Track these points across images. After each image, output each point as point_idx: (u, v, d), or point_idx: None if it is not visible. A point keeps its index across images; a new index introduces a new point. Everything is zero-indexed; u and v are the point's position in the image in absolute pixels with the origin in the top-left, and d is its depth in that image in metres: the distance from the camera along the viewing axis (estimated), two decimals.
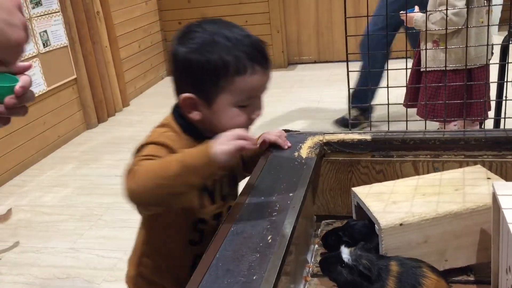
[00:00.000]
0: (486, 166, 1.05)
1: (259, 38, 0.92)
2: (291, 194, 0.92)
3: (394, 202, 0.93)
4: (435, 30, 2.09)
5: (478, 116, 2.19)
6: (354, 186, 1.13)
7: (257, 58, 0.90)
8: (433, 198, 0.93)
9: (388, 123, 1.11)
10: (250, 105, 0.92)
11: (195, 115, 0.92)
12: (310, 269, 1.03)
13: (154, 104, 4.15)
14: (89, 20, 3.67)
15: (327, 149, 1.13)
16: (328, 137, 1.13)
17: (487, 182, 0.97)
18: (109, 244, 2.22)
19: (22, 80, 0.69)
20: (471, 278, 0.93)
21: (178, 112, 0.95)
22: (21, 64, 0.71)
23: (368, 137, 1.11)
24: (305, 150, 1.08)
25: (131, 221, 2.40)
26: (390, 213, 0.90)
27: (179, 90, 0.92)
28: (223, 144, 0.81)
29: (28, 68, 0.72)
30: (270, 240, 0.77)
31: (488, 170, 1.04)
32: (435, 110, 2.18)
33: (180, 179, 0.81)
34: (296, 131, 1.20)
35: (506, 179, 1.06)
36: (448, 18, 2.03)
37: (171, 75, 0.95)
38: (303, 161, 1.04)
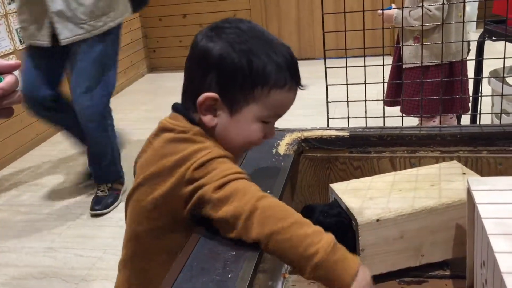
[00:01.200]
0: (462, 161, 1.06)
1: (295, 55, 0.84)
2: (268, 191, 0.91)
3: (371, 198, 0.94)
4: (417, 26, 2.10)
5: (462, 109, 2.20)
6: (332, 182, 1.13)
7: (296, 74, 0.82)
8: (410, 194, 0.94)
9: (366, 120, 1.11)
10: (270, 124, 0.83)
11: (210, 120, 0.79)
12: (288, 266, 1.03)
13: (134, 102, 4.12)
14: None
15: (305, 145, 1.13)
16: (306, 134, 1.13)
17: (463, 177, 0.98)
18: (88, 243, 2.20)
19: (5, 80, 0.65)
20: (447, 273, 0.94)
21: (189, 116, 0.82)
22: (7, 62, 0.66)
23: (346, 133, 1.11)
24: (283, 147, 1.08)
25: (110, 220, 2.39)
26: (367, 209, 0.90)
27: (199, 87, 0.79)
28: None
29: (16, 67, 0.67)
30: None
31: (464, 165, 1.05)
32: (419, 106, 2.19)
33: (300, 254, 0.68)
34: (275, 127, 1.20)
35: (482, 175, 1.07)
36: (431, 13, 2.05)
37: (191, 68, 0.82)
38: (281, 158, 1.03)
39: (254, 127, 0.80)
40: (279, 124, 1.19)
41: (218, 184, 0.72)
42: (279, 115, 0.83)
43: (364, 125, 1.14)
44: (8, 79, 0.65)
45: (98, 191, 2.51)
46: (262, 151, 1.06)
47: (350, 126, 1.15)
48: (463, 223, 0.87)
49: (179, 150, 0.76)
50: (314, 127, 1.15)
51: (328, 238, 0.69)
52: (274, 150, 1.07)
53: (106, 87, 2.37)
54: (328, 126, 1.19)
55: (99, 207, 2.43)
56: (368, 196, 0.94)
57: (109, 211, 2.45)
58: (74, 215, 2.46)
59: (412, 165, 1.09)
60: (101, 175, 2.53)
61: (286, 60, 0.80)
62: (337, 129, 1.13)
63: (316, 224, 0.88)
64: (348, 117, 1.12)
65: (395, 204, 0.90)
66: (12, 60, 0.68)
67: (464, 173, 0.99)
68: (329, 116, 1.17)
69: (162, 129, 0.81)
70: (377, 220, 0.88)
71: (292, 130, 1.15)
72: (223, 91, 0.78)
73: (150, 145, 0.82)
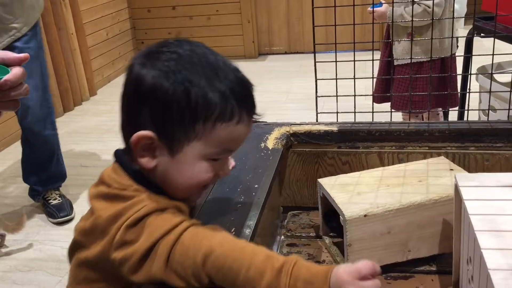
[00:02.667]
0: (450, 157, 1.07)
1: (247, 78, 0.72)
2: (256, 186, 0.91)
3: (359, 193, 0.94)
4: (416, 20, 2.09)
5: (452, 105, 2.21)
6: (320, 177, 1.13)
7: (248, 104, 0.71)
8: (397, 189, 0.94)
9: (355, 115, 1.11)
10: (221, 160, 0.72)
11: (147, 162, 0.68)
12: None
13: None
14: (54, 5, 3.56)
15: (293, 140, 1.13)
16: (295, 128, 1.13)
17: (450, 173, 0.98)
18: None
19: (12, 72, 0.64)
20: (434, 268, 0.95)
21: (129, 167, 0.71)
22: (15, 55, 0.66)
23: (334, 128, 1.11)
24: (271, 141, 1.07)
25: None
26: (354, 204, 0.90)
27: (134, 124, 0.68)
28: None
29: (24, 60, 0.66)
30: (233, 233, 0.77)
31: (452, 161, 1.05)
32: (413, 102, 2.20)
33: None
34: (263, 121, 1.19)
35: (469, 171, 1.07)
36: (430, 9, 2.04)
37: (125, 100, 0.71)
38: (269, 152, 1.03)
39: (200, 167, 0.69)
40: (268, 118, 1.19)
41: (165, 256, 0.63)
42: (230, 151, 0.72)
43: (353, 120, 1.14)
44: (15, 71, 0.65)
45: (49, 200, 2.37)
46: (250, 145, 1.06)
47: (339, 121, 1.15)
48: (450, 218, 0.87)
49: (112, 206, 0.68)
50: (303, 122, 1.15)
51: (283, 285, 0.61)
52: (262, 144, 1.06)
53: (46, 80, 2.24)
54: (317, 120, 1.18)
55: (65, 213, 2.34)
56: (356, 191, 0.94)
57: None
58: None
59: (400, 160, 1.10)
60: (45, 181, 2.38)
61: (233, 87, 0.68)
62: (326, 124, 1.13)
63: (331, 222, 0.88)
64: (337, 112, 1.12)
65: (382, 200, 0.90)
66: (22, 54, 0.67)
67: (451, 169, 1.00)
68: (318, 111, 1.16)
69: (101, 181, 0.72)
70: (365, 216, 0.88)
71: (280, 124, 1.15)
72: (159, 128, 0.67)
73: (89, 200, 0.73)
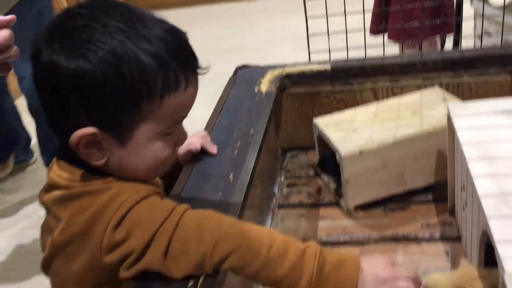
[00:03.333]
0: (444, 87, 1.07)
1: (179, 28, 0.62)
2: (252, 130, 0.92)
3: (354, 130, 0.95)
4: None
5: (448, 31, 2.17)
6: (316, 116, 1.14)
7: (190, 61, 0.62)
8: (392, 124, 0.95)
9: (347, 51, 1.10)
10: (175, 131, 0.64)
11: (96, 159, 0.60)
12: (277, 201, 1.06)
13: None
14: None
15: (287, 82, 1.13)
16: (288, 70, 1.12)
17: (444, 103, 0.99)
18: None
19: (1, 35, 0.62)
20: (430, 197, 0.97)
21: (75, 161, 0.62)
22: (1, 17, 0.63)
23: (327, 67, 1.10)
24: (265, 85, 1.07)
25: None
26: (349, 141, 0.91)
27: (64, 120, 0.59)
28: None
29: (10, 21, 0.63)
30: (232, 178, 0.78)
31: (445, 91, 1.05)
32: (409, 33, 2.16)
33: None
34: (255, 65, 1.19)
35: (463, 99, 1.07)
36: None
37: (42, 93, 0.61)
38: (263, 96, 1.03)
39: (155, 147, 0.62)
40: (261, 60, 1.18)
41: (162, 249, 0.56)
42: (182, 118, 0.65)
43: (346, 57, 1.13)
44: (3, 34, 0.62)
45: None
46: (244, 90, 1.06)
47: (332, 59, 1.14)
48: (445, 148, 0.88)
49: (84, 208, 0.59)
50: (295, 62, 1.14)
51: (308, 271, 0.56)
52: (256, 89, 1.06)
53: None
54: (309, 60, 1.17)
55: None
56: (351, 129, 0.95)
57: None
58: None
59: (395, 95, 1.10)
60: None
61: (168, 46, 0.58)
62: (319, 63, 1.12)
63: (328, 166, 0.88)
64: (330, 50, 1.11)
65: (377, 135, 0.92)
66: (8, 16, 0.65)
67: (445, 99, 1.00)
68: (310, 50, 1.15)
69: (52, 186, 0.63)
70: (360, 152, 0.89)
71: (273, 67, 1.14)
72: (97, 120, 0.58)
73: (47, 208, 0.65)
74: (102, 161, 0.61)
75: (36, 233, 0.76)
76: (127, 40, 0.56)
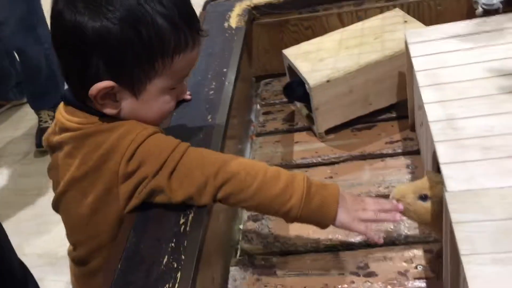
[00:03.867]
0: (405, 8, 1.12)
1: None
2: (225, 70, 0.97)
3: (321, 60, 1.01)
4: None
5: None
6: (286, 44, 1.19)
7: (195, 24, 0.68)
8: (356, 50, 1.01)
9: None
10: (179, 85, 0.72)
11: (111, 109, 0.67)
12: (254, 128, 1.14)
13: None
14: None
15: (256, 13, 1.16)
16: (255, 1, 1.15)
17: (404, 26, 1.04)
18: None
19: None
20: (393, 115, 1.06)
21: (88, 109, 0.68)
22: None
23: None
24: (234, 19, 1.11)
25: None
26: (317, 71, 0.98)
27: (84, 74, 0.64)
28: (360, 220, 0.67)
29: None
30: (210, 118, 0.85)
31: (407, 12, 1.10)
32: None
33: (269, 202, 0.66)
34: None
35: (423, 18, 1.13)
36: None
37: (64, 49, 0.66)
38: (233, 31, 1.07)
39: (164, 99, 0.69)
40: None
41: (169, 170, 0.64)
42: (187, 74, 0.73)
43: None
44: None
45: (40, 122, 2.17)
46: (214, 27, 1.10)
47: None
48: (405, 70, 0.95)
49: (99, 144, 0.66)
50: None
51: (298, 190, 0.66)
52: (226, 24, 1.10)
53: None
54: None
55: None
56: (318, 58, 1.01)
57: None
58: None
59: (359, 18, 1.15)
60: (37, 98, 2.19)
61: (180, 11, 0.65)
62: None
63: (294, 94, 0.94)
64: None
65: (342, 63, 0.98)
66: None
67: (405, 21, 1.06)
68: None
69: (63, 129, 0.69)
70: (327, 81, 0.96)
71: None
72: (116, 75, 0.64)
73: (56, 148, 0.71)
74: (115, 111, 0.67)
75: None
76: (143, 2, 0.62)
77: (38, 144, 2.11)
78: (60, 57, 0.67)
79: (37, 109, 2.20)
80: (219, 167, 0.66)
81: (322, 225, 0.69)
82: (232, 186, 0.66)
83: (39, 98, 2.18)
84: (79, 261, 0.77)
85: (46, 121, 2.16)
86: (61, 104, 0.72)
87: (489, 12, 1.02)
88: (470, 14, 1.09)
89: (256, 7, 1.15)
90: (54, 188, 0.75)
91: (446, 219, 0.60)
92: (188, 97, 0.91)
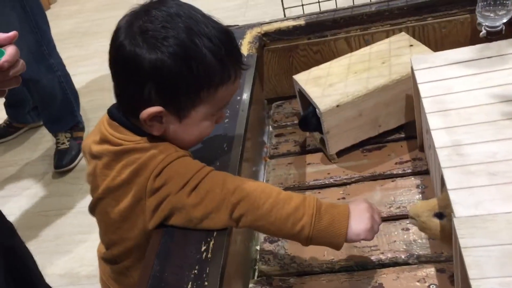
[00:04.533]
0: (410, 31, 1.16)
1: (229, 28, 0.75)
2: (238, 98, 1.01)
3: (330, 85, 1.05)
4: None
5: None
6: (296, 68, 1.24)
7: (238, 59, 0.75)
8: (364, 75, 1.05)
9: (319, 4, 1.17)
10: (219, 113, 0.79)
11: (157, 131, 0.74)
12: (267, 149, 1.18)
13: None
14: None
15: (266, 39, 1.21)
16: (265, 28, 1.20)
17: (410, 49, 1.08)
18: None
19: (8, 52, 0.68)
20: (402, 135, 1.09)
21: (132, 127, 0.75)
22: (5, 35, 0.69)
23: (302, 22, 1.18)
24: (245, 47, 1.15)
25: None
26: (327, 96, 1.02)
27: (136, 98, 0.72)
28: (361, 222, 0.72)
29: (14, 37, 0.70)
30: (226, 145, 0.89)
31: (412, 35, 1.14)
32: None
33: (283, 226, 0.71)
34: (234, 25, 1.26)
35: (428, 41, 1.17)
36: None
37: (121, 75, 0.73)
38: (245, 59, 1.11)
39: (204, 125, 0.76)
40: (238, 19, 1.24)
41: (189, 189, 0.70)
42: (227, 103, 0.79)
43: (318, 10, 1.20)
44: (10, 51, 0.69)
45: (57, 144, 2.21)
46: None
47: (306, 12, 1.21)
48: (412, 92, 0.99)
49: (132, 161, 0.73)
50: (272, 20, 1.21)
51: (309, 209, 0.71)
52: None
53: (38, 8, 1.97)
54: (284, 16, 1.24)
55: (64, 162, 2.15)
56: (327, 83, 1.05)
57: (76, 165, 2.19)
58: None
59: (366, 42, 1.19)
60: (53, 122, 2.23)
61: (226, 48, 0.71)
62: (294, 19, 1.20)
63: (309, 125, 0.99)
64: (303, 5, 1.18)
65: (351, 88, 1.02)
66: (10, 32, 0.70)
67: (411, 45, 1.09)
68: (284, 6, 1.22)
69: (105, 140, 0.76)
70: (337, 106, 1.00)
71: (251, 26, 1.22)
72: (165, 101, 0.71)
73: (96, 157, 0.78)
74: (159, 133, 0.74)
75: None
76: (194, 38, 0.69)
77: (57, 166, 2.16)
78: (116, 81, 0.75)
79: (54, 132, 2.25)
80: (236, 186, 0.71)
81: (335, 244, 0.73)
82: (247, 203, 0.71)
83: (55, 122, 2.23)
84: (111, 260, 0.85)
85: (63, 143, 2.21)
86: (105, 117, 0.79)
87: (492, 33, 1.06)
88: (474, 35, 1.13)
89: (266, 34, 1.20)
90: (92, 192, 0.82)
91: (455, 244, 0.64)
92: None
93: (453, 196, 0.66)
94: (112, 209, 0.77)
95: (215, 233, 0.73)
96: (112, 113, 0.77)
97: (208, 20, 0.72)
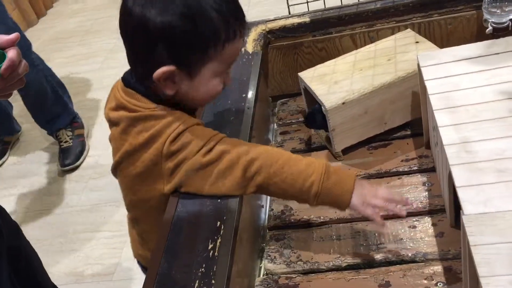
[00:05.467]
0: (416, 28, 1.15)
1: None
2: (244, 95, 1.01)
3: (336, 82, 1.04)
4: None
5: None
6: (300, 65, 1.23)
7: (241, 17, 0.78)
8: (369, 72, 1.04)
9: (324, 1, 1.16)
10: (226, 73, 0.82)
11: (170, 90, 0.78)
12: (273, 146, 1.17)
13: None
14: None
15: (271, 37, 1.20)
16: (270, 26, 1.19)
17: (416, 46, 1.07)
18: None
19: (9, 56, 0.68)
20: (408, 133, 1.09)
21: (146, 93, 0.80)
22: (6, 37, 0.69)
23: (307, 19, 1.18)
24: (250, 44, 1.15)
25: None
26: (333, 94, 1.01)
27: (148, 60, 0.76)
28: (369, 205, 0.78)
29: (15, 39, 0.70)
30: (233, 135, 0.88)
31: (418, 32, 1.14)
32: None
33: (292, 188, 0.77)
34: None
35: (434, 37, 1.16)
36: None
37: (131, 39, 0.77)
38: (250, 56, 1.11)
39: (213, 83, 0.80)
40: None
41: (205, 151, 0.76)
42: (234, 61, 0.82)
43: (323, 6, 1.20)
44: (12, 54, 0.69)
45: (60, 143, 2.22)
46: None
47: (310, 9, 1.20)
48: (418, 89, 0.98)
49: (149, 127, 0.78)
50: (276, 17, 1.21)
51: (319, 167, 0.77)
52: (242, 49, 1.14)
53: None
54: (289, 13, 1.24)
55: (69, 160, 2.16)
56: (333, 81, 1.05)
57: (81, 162, 2.20)
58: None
59: (371, 39, 1.18)
60: (50, 123, 2.22)
61: (229, 7, 0.76)
62: (299, 16, 1.19)
63: (315, 122, 1.02)
64: (307, 1, 1.18)
65: (357, 85, 1.01)
66: (12, 34, 0.70)
67: (417, 42, 1.09)
68: (289, 3, 1.22)
69: (121, 106, 0.80)
70: (343, 103, 0.99)
71: (256, 23, 1.21)
72: (177, 60, 0.75)
73: (114, 123, 0.82)
74: (173, 92, 0.78)
75: None
76: (204, 5, 0.73)
77: (62, 164, 2.16)
78: (128, 47, 0.79)
79: (54, 132, 2.24)
80: (250, 147, 0.79)
81: (341, 202, 0.78)
82: (261, 161, 0.77)
83: (52, 121, 2.22)
84: (133, 221, 0.93)
85: (66, 141, 2.21)
86: (119, 84, 0.83)
87: (499, 30, 1.06)
88: (480, 32, 1.13)
89: (271, 31, 1.19)
90: (113, 156, 0.86)
91: (464, 241, 0.63)
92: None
93: (461, 193, 0.66)
94: (130, 172, 0.82)
95: (222, 231, 0.73)
96: (127, 80, 0.81)
97: None
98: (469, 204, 0.64)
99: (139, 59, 0.78)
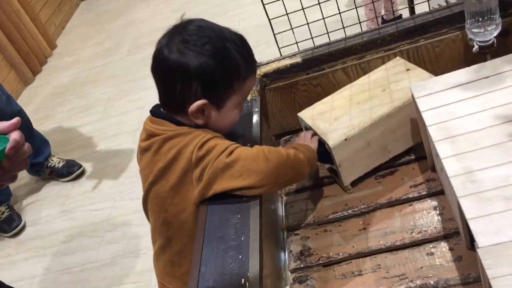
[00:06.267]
0: (404, 55, 1.18)
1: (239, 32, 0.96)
2: (249, 144, 1.04)
3: (336, 119, 1.07)
4: None
5: None
6: (299, 103, 1.27)
7: (254, 57, 0.95)
8: (367, 105, 1.07)
9: (313, 40, 1.20)
10: (242, 104, 0.98)
11: (201, 120, 0.92)
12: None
13: (81, 38, 4.01)
14: None
15: (266, 80, 1.24)
16: (264, 70, 1.23)
17: (408, 74, 1.11)
18: (96, 197, 2.35)
19: (12, 139, 0.70)
20: (412, 157, 1.11)
21: (175, 120, 0.93)
22: (8, 123, 0.71)
23: (298, 59, 1.21)
24: None
25: (109, 168, 2.51)
26: (334, 131, 1.04)
27: (183, 96, 0.89)
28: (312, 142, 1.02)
29: (17, 124, 0.72)
30: None
31: (407, 58, 1.17)
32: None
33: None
34: None
35: (423, 61, 1.20)
36: None
37: (167, 81, 0.90)
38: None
39: (235, 112, 0.95)
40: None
41: (227, 152, 0.86)
42: (249, 93, 0.98)
43: (312, 45, 1.24)
44: (15, 137, 0.71)
45: (54, 167, 2.51)
46: None
47: (300, 49, 1.24)
48: (416, 116, 1.01)
49: (177, 143, 0.90)
50: (269, 60, 1.24)
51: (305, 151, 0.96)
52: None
53: None
54: (281, 55, 1.28)
55: (68, 171, 2.50)
56: (333, 118, 1.08)
57: (82, 171, 2.52)
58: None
59: (363, 70, 1.21)
60: (37, 154, 2.47)
61: (247, 48, 0.92)
62: (290, 57, 1.23)
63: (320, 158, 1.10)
64: (297, 42, 1.21)
65: (356, 120, 1.04)
66: (13, 119, 0.72)
67: (408, 69, 1.12)
68: (279, 46, 1.25)
69: (152, 135, 0.93)
70: (345, 139, 1.02)
71: None
72: (209, 95, 0.89)
73: (146, 150, 0.93)
74: (203, 122, 0.92)
75: None
76: (225, 43, 0.89)
77: (62, 175, 2.45)
78: (163, 85, 0.92)
79: (45, 159, 2.47)
80: (264, 146, 0.92)
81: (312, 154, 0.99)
82: (270, 153, 0.89)
83: (39, 153, 2.43)
84: (165, 245, 0.97)
85: (59, 162, 2.47)
86: (148, 119, 0.96)
87: (485, 47, 1.09)
88: (467, 50, 1.16)
89: (265, 75, 1.23)
90: (143, 184, 0.96)
91: (483, 274, 0.65)
92: None
93: (473, 225, 0.68)
94: (164, 188, 0.91)
95: (248, 276, 0.75)
96: (155, 112, 0.95)
97: (225, 29, 0.92)
98: (482, 236, 0.66)
99: (173, 94, 0.90)
